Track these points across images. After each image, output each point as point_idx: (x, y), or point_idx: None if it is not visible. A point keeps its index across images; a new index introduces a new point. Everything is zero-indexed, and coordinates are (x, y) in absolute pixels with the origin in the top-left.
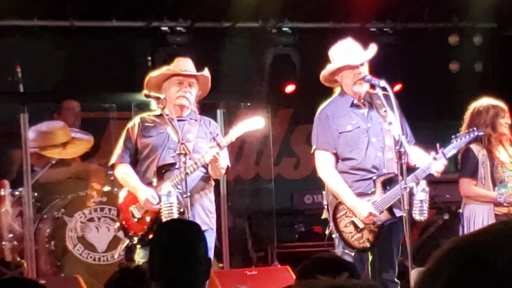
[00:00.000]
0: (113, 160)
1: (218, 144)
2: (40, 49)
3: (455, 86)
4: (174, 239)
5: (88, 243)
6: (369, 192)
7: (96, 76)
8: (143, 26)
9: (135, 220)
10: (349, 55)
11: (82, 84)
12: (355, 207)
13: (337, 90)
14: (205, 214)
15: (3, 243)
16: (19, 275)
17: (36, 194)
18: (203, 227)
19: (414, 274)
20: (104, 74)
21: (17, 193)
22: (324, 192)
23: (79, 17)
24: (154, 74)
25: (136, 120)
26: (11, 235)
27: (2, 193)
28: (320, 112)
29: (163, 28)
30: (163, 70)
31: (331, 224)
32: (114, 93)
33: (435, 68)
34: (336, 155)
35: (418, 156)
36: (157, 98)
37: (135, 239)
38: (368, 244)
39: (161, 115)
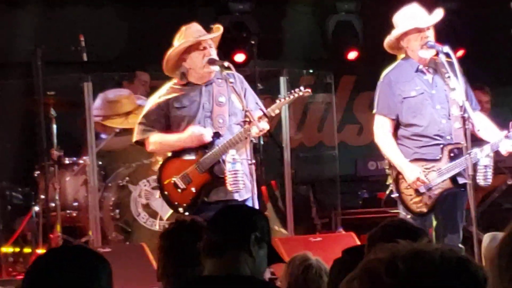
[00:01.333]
0: (137, 137)
1: (265, 114)
2: (103, 19)
3: None
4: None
5: (153, 211)
6: (435, 158)
7: (159, 46)
8: None
9: (179, 191)
10: (416, 18)
11: (145, 53)
12: (403, 171)
13: (401, 57)
14: (249, 181)
15: (68, 211)
16: (83, 244)
17: (100, 162)
18: (248, 195)
19: (486, 238)
20: (167, 43)
21: (81, 161)
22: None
23: None
24: (172, 51)
25: (162, 92)
26: (76, 204)
27: (67, 162)
28: (383, 76)
29: None
30: (182, 43)
31: (393, 184)
32: None
33: (498, 34)
34: (394, 121)
35: (483, 123)
36: (223, 65)
37: (180, 210)
38: (425, 209)
39: (189, 83)
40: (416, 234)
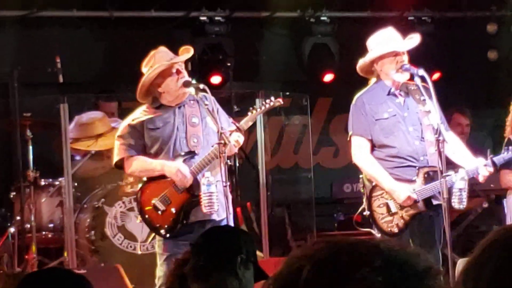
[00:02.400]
0: (117, 158)
1: (238, 128)
2: (79, 40)
3: (493, 74)
4: None
5: (128, 232)
6: (410, 179)
7: (135, 67)
8: (182, 16)
9: (159, 213)
10: (392, 42)
11: (121, 74)
12: (393, 190)
13: (372, 81)
14: (226, 201)
15: (44, 232)
16: (59, 265)
17: (75, 184)
18: (224, 215)
19: (460, 264)
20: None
21: (57, 183)
22: (361, 176)
23: (117, 7)
24: (146, 78)
25: (136, 115)
26: (51, 225)
27: (43, 183)
28: (356, 99)
29: (202, 18)
30: (156, 68)
31: (365, 202)
32: None
33: (474, 57)
34: (371, 141)
35: (455, 146)
36: (198, 87)
37: (162, 232)
38: (396, 230)
39: (161, 105)
40: None
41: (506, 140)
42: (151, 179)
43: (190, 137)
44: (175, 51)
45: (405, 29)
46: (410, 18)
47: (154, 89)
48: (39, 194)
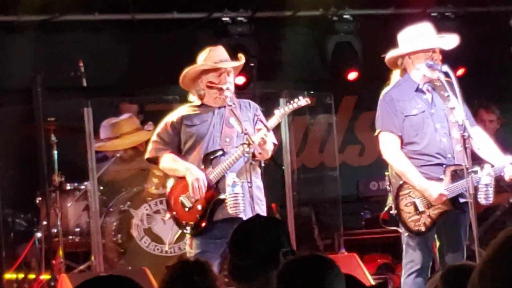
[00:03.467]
0: (150, 154)
1: (266, 126)
2: (102, 44)
3: None
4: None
5: (155, 235)
6: (438, 177)
7: (158, 69)
8: (204, 17)
9: (186, 209)
10: (433, 38)
11: (144, 77)
12: (425, 188)
13: (395, 75)
14: (256, 203)
15: (70, 237)
16: (87, 269)
17: (101, 187)
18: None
19: None
20: (166, 66)
21: (82, 187)
22: (387, 173)
23: (140, 10)
24: (190, 69)
25: (176, 112)
26: (78, 229)
27: (68, 187)
28: (384, 94)
29: (224, 19)
30: (199, 65)
31: (392, 201)
32: (176, 85)
33: (498, 52)
34: (401, 138)
35: (482, 141)
36: (220, 89)
37: (188, 229)
38: (423, 228)
39: (202, 104)
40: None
41: None
42: (180, 177)
43: (224, 137)
44: (197, 53)
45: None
46: (433, 14)
47: (197, 82)
48: (65, 199)
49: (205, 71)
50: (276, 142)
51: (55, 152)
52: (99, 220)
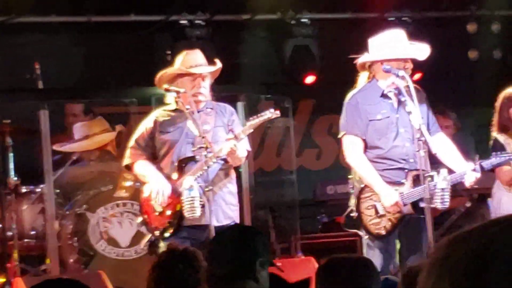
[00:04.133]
0: (127, 161)
1: (236, 136)
2: (58, 46)
3: (474, 74)
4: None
5: (111, 238)
6: (399, 182)
7: (115, 71)
8: (162, 20)
9: (156, 214)
10: (406, 47)
11: (101, 79)
12: (382, 194)
13: (362, 77)
14: (228, 207)
15: (26, 240)
16: (42, 273)
17: (57, 190)
18: (226, 221)
19: None
20: (123, 69)
21: (38, 190)
22: (350, 177)
23: (96, 12)
24: (166, 72)
25: (151, 117)
26: (33, 232)
27: (24, 190)
28: (350, 98)
29: (182, 22)
30: (174, 69)
31: (354, 203)
32: (134, 88)
33: (455, 57)
34: (364, 141)
35: (442, 147)
36: (178, 92)
37: (157, 233)
38: (383, 232)
39: (176, 109)
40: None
41: (493, 140)
42: None
43: (197, 143)
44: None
45: (385, 30)
46: (390, 19)
47: (175, 85)
48: (20, 202)
49: (180, 75)
50: (250, 148)
51: (11, 154)
52: (54, 223)
